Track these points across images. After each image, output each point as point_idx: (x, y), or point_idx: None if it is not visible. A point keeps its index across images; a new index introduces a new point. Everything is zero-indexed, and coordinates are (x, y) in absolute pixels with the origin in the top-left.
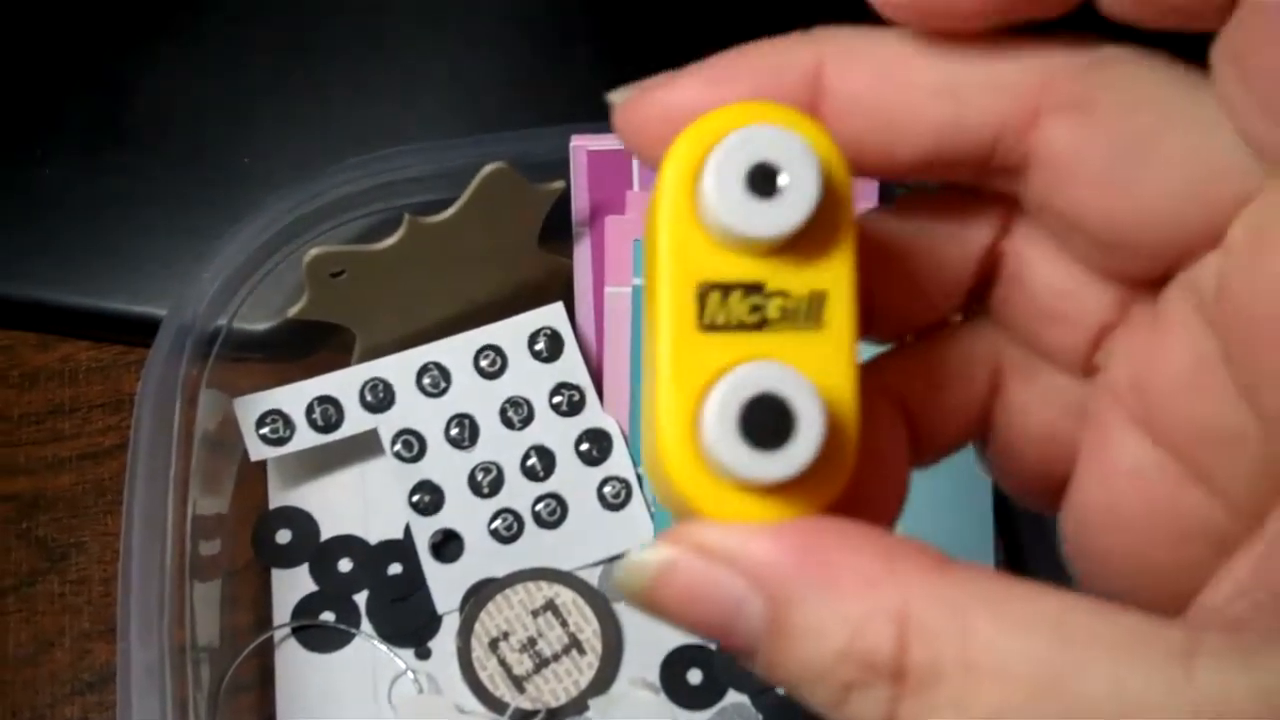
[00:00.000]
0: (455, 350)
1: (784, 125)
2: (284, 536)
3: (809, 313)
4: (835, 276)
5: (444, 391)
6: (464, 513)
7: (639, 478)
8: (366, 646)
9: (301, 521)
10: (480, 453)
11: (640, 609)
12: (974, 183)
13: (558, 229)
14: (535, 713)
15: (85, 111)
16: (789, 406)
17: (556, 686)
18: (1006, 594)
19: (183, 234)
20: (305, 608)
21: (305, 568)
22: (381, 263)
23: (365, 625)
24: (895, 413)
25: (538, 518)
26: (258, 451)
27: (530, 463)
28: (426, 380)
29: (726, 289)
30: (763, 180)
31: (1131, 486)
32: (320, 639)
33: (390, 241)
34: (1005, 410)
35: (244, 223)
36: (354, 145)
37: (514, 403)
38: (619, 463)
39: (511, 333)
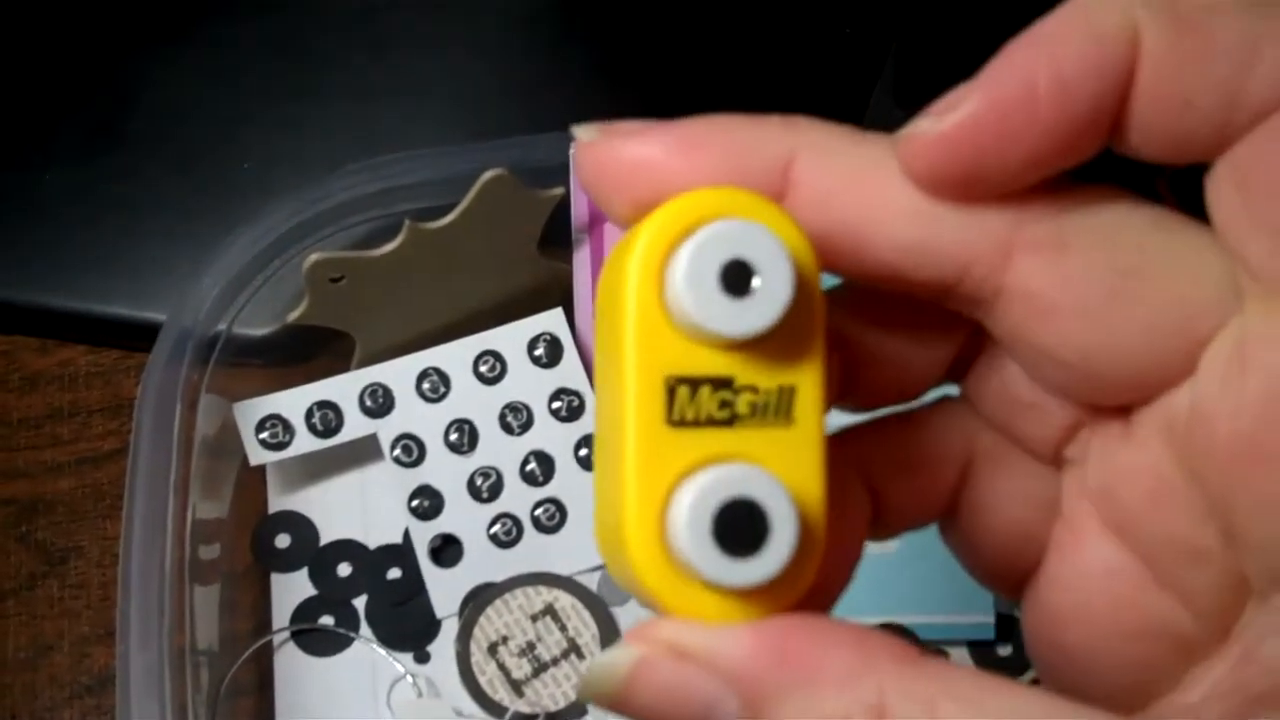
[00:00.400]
0: (455, 355)
1: (759, 220)
2: (283, 541)
3: (779, 408)
4: (805, 371)
5: (443, 396)
6: (463, 517)
7: None
8: (365, 651)
9: (301, 526)
10: (479, 458)
11: (610, 710)
12: (938, 302)
13: (557, 235)
14: (534, 717)
15: (85, 117)
16: (763, 512)
17: (555, 691)
18: (975, 688)
19: (182, 239)
20: (304, 612)
21: (304, 572)
22: (381, 268)
23: (364, 629)
24: (860, 487)
25: (537, 523)
26: (257, 456)
27: (529, 468)
28: (426, 385)
29: (695, 383)
30: (736, 278)
31: (1100, 586)
32: (319, 643)
33: (390, 247)
34: (974, 497)
35: (244, 228)
36: (353, 151)
37: (513, 408)
38: None
39: (511, 338)
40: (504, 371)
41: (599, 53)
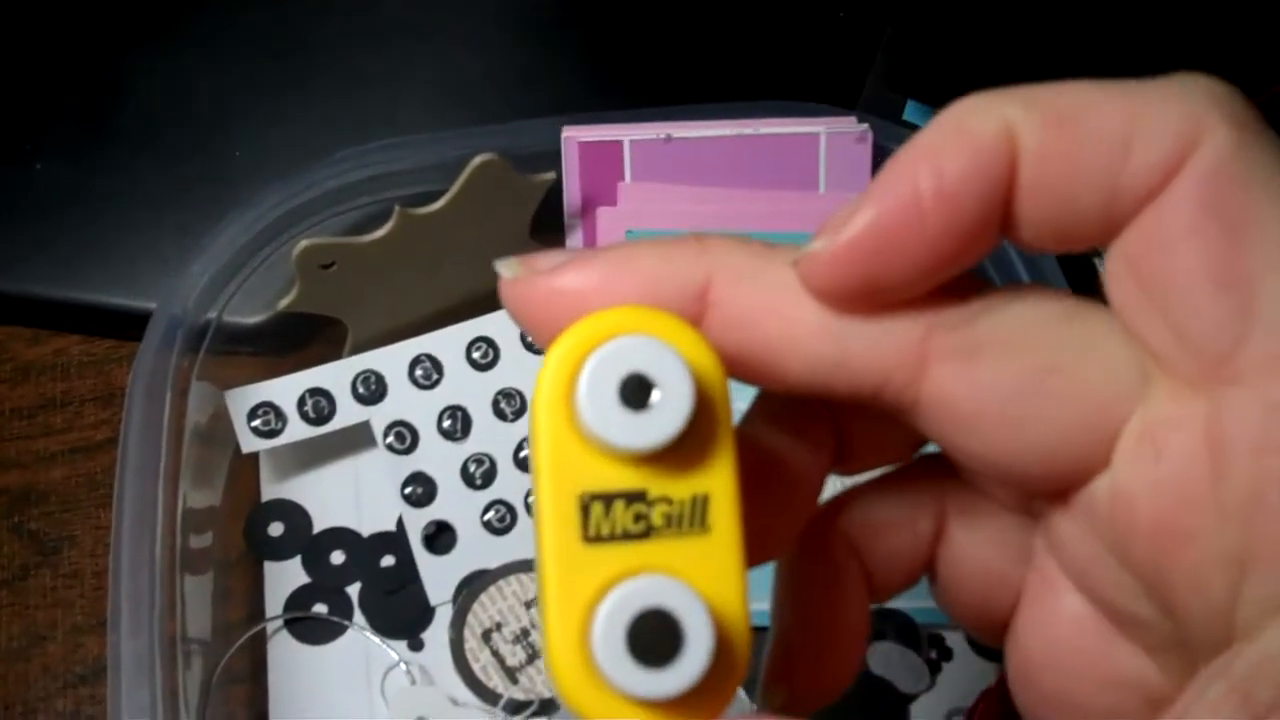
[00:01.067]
0: (447, 342)
1: (660, 335)
2: (276, 529)
3: (693, 517)
4: (717, 478)
5: (436, 383)
6: (457, 504)
7: None
8: (359, 638)
9: (294, 514)
10: (473, 444)
11: None
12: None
13: (550, 220)
14: (528, 703)
15: (76, 108)
16: (676, 622)
17: (549, 677)
18: None
19: (174, 229)
20: (298, 600)
21: (298, 560)
22: (372, 254)
23: (358, 617)
24: (850, 554)
25: (531, 509)
26: (249, 444)
27: (523, 454)
28: (418, 372)
29: (609, 499)
30: (636, 392)
31: (1068, 635)
32: (313, 631)
33: (381, 233)
34: (948, 549)
35: (233, 216)
36: (344, 139)
37: (506, 394)
38: None
39: (504, 324)
40: (497, 358)
41: (590, 39)
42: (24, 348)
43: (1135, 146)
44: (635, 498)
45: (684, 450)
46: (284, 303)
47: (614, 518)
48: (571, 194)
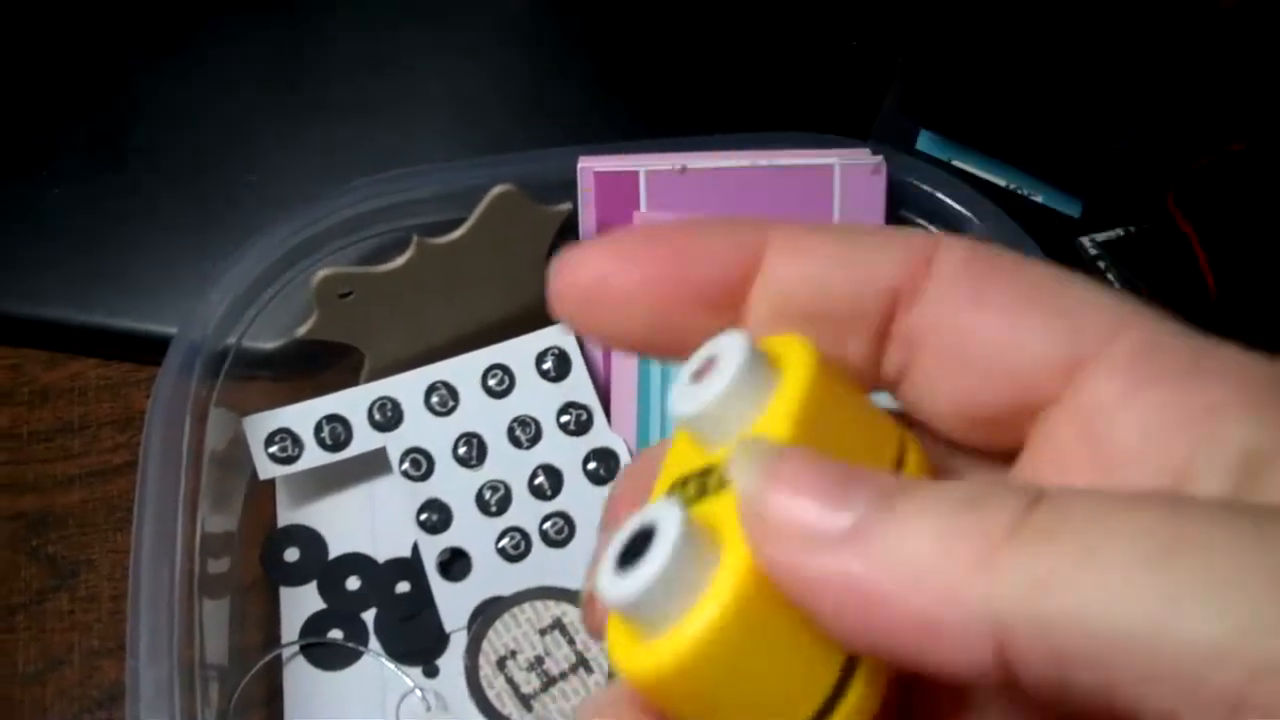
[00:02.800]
0: (463, 369)
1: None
2: (292, 555)
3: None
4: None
5: (452, 410)
6: (472, 531)
7: None
8: (374, 664)
9: (310, 540)
10: (488, 471)
11: None
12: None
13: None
14: None
15: (92, 132)
16: (653, 531)
17: (564, 705)
18: None
19: (189, 253)
20: (313, 626)
21: (314, 585)
22: (390, 283)
23: (373, 643)
24: None
25: (545, 536)
26: (266, 470)
27: (538, 481)
28: (435, 399)
29: (687, 478)
30: (702, 369)
31: None
32: (328, 657)
33: (399, 262)
34: None
35: (252, 243)
36: (358, 165)
37: (522, 422)
38: None
39: (519, 352)
40: (512, 385)
41: (603, 67)
42: (41, 371)
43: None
44: (705, 472)
45: (753, 429)
46: (302, 330)
47: (686, 490)
48: (587, 223)
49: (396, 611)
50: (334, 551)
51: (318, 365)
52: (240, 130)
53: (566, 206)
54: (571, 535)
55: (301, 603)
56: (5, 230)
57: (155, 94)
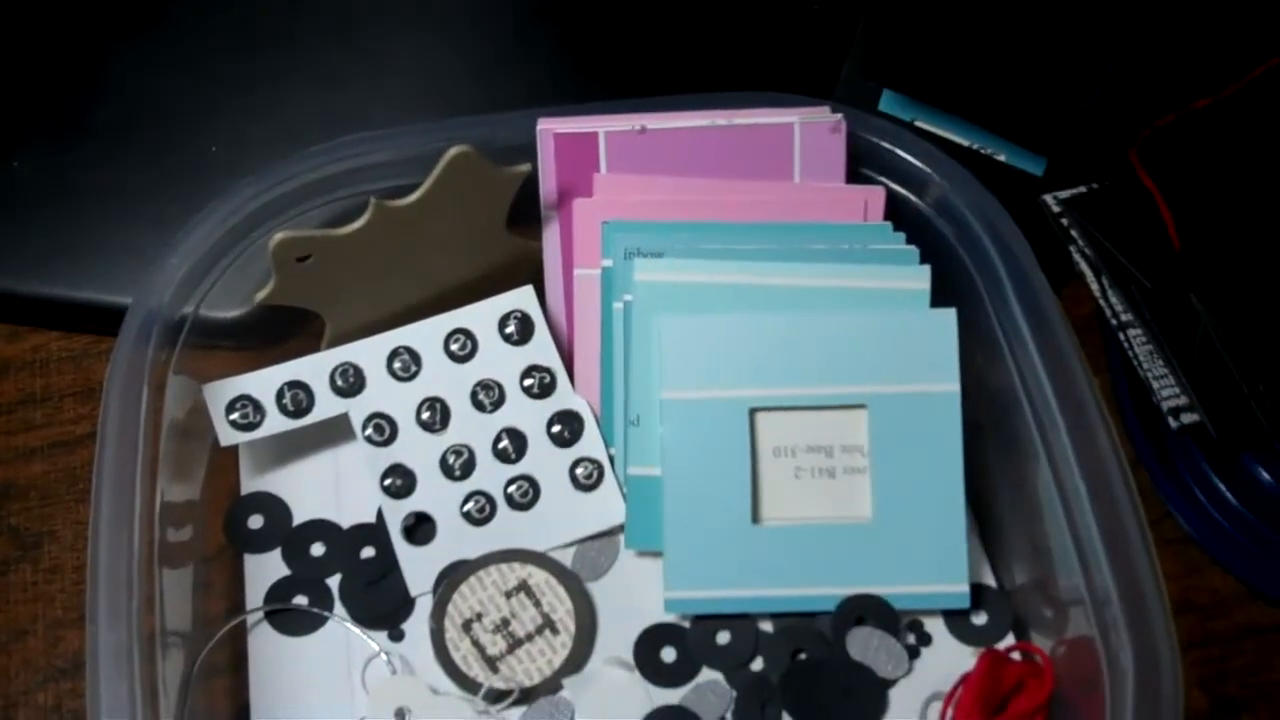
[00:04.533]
0: (425, 334)
1: None
2: (256, 522)
3: None
4: None
5: (414, 375)
6: (436, 495)
7: (610, 459)
8: (339, 630)
9: (273, 507)
10: (451, 436)
11: None
12: None
13: (526, 212)
14: (509, 693)
15: (52, 106)
16: None
17: (530, 666)
18: None
19: (152, 224)
20: (278, 592)
21: (278, 552)
22: (348, 246)
23: (338, 609)
24: None
25: (510, 500)
26: (228, 437)
27: (502, 445)
28: (397, 364)
29: None
30: None
31: None
32: (293, 623)
33: (357, 225)
34: None
35: (209, 210)
36: (320, 132)
37: (485, 385)
38: (590, 444)
39: (482, 316)
40: (475, 349)
41: (565, 31)
42: (3, 344)
43: None
44: None
45: None
46: (261, 295)
47: None
48: (547, 185)
49: (361, 577)
50: (298, 518)
51: (279, 332)
52: (201, 102)
53: (525, 167)
54: (536, 498)
55: (266, 569)
56: None
57: (116, 67)
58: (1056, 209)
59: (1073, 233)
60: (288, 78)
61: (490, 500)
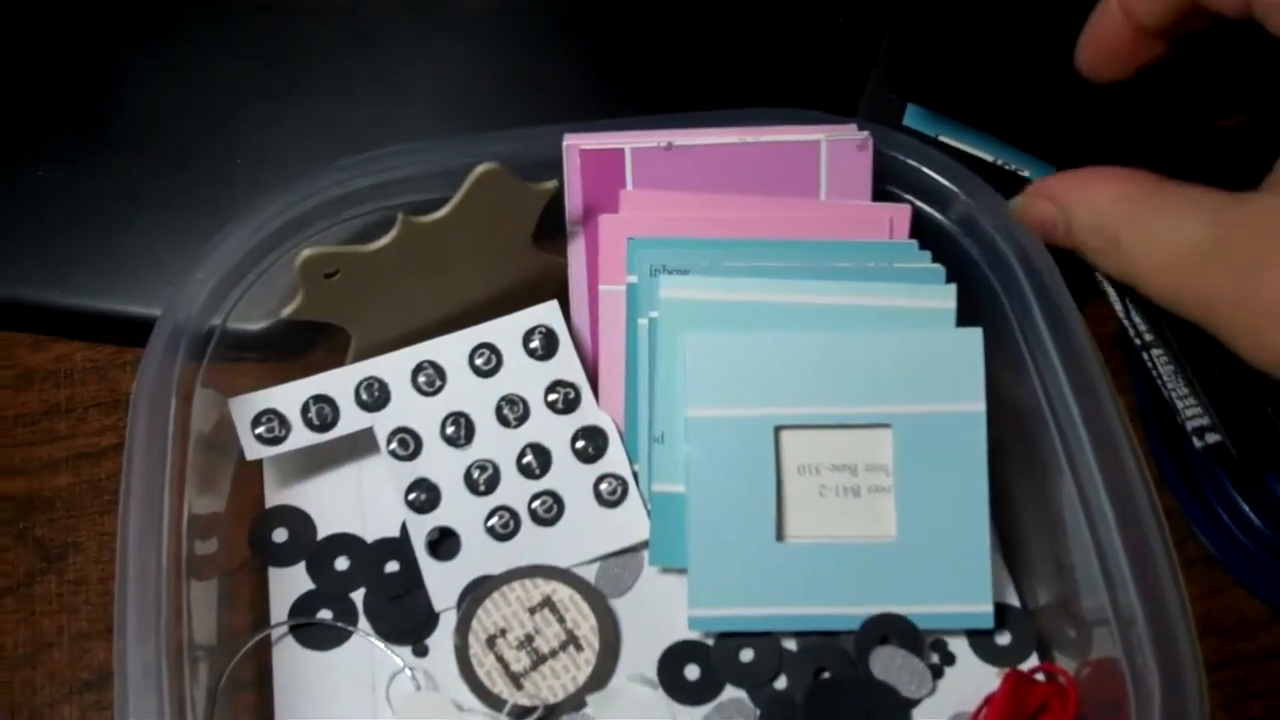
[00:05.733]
0: (450, 348)
1: None
2: (280, 535)
3: None
4: None
5: (439, 390)
6: (460, 510)
7: (634, 475)
8: (364, 644)
9: (298, 520)
10: (476, 450)
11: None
12: None
13: (552, 228)
14: (533, 709)
15: (75, 114)
16: None
17: (554, 683)
18: None
19: (174, 234)
20: (302, 606)
21: (302, 566)
22: (375, 263)
23: (363, 623)
24: None
25: (534, 515)
26: (253, 451)
27: (526, 460)
28: (422, 379)
29: None
30: None
31: None
32: (318, 637)
33: (383, 242)
34: None
35: (236, 223)
36: (343, 144)
37: (510, 400)
38: (615, 460)
39: (506, 331)
40: (500, 364)
41: (589, 43)
42: (27, 354)
43: None
44: None
45: None
46: (287, 311)
47: None
48: (573, 201)
49: (386, 591)
50: (322, 532)
51: (304, 345)
52: (224, 111)
53: (552, 184)
54: (560, 514)
55: (290, 583)
56: None
57: (139, 76)
58: None
59: None
60: (309, 89)
61: (514, 515)
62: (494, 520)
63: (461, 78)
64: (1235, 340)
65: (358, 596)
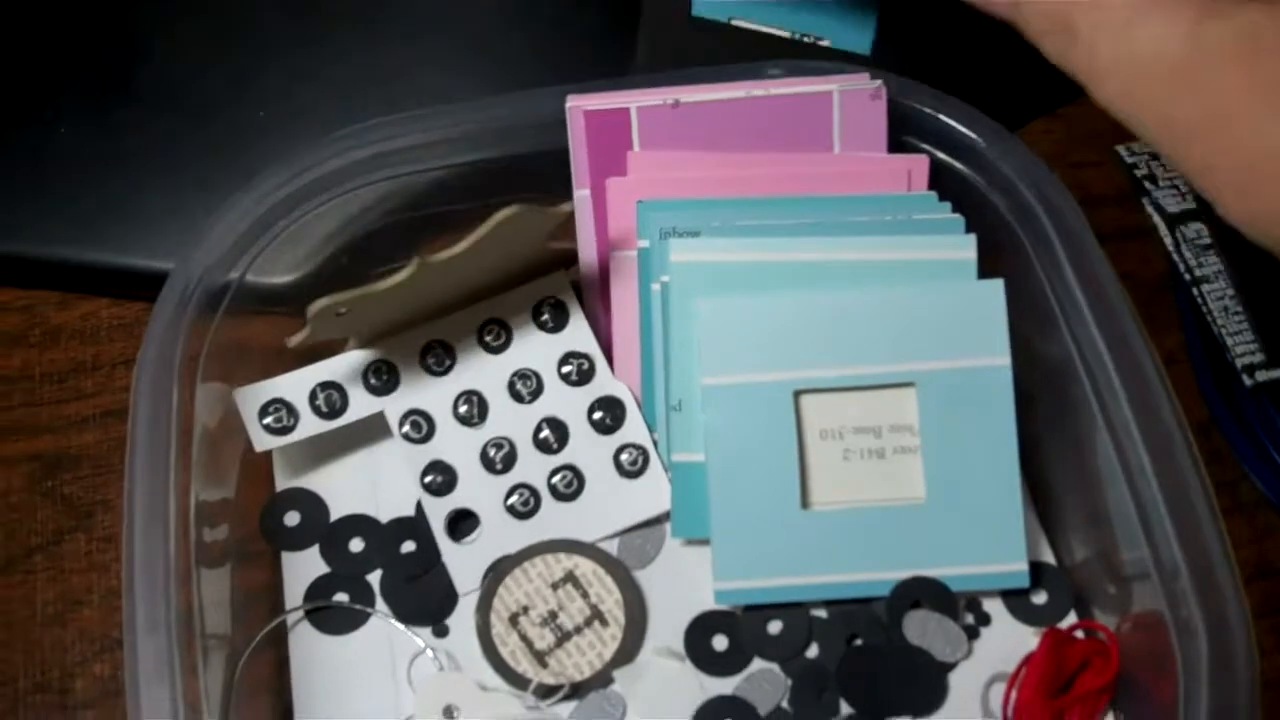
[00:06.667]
0: (458, 326)
1: None
2: (292, 519)
3: None
4: None
5: (449, 369)
6: (478, 491)
7: (654, 442)
8: (382, 626)
9: (309, 503)
10: (490, 429)
11: None
12: None
13: (560, 191)
14: (558, 687)
15: (98, 71)
16: None
17: (580, 660)
18: None
19: (199, 188)
20: (317, 590)
21: (316, 549)
22: (386, 295)
23: (380, 605)
24: None
25: (554, 491)
26: (262, 442)
27: (543, 435)
28: (431, 359)
29: None
30: None
31: None
32: (334, 621)
33: (397, 279)
34: None
35: (233, 201)
36: (368, 99)
37: (522, 375)
38: (634, 429)
39: (515, 304)
40: (510, 339)
41: None
42: (53, 312)
43: None
44: None
45: None
46: (294, 341)
47: None
48: (579, 164)
49: (402, 572)
50: (335, 513)
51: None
52: (248, 64)
53: (569, 207)
54: (581, 488)
55: (304, 568)
56: (13, 171)
57: (162, 30)
58: (1130, 159)
59: (1146, 184)
60: (334, 38)
61: (534, 493)
62: (514, 498)
63: (488, 22)
64: (1199, 179)
65: (374, 578)
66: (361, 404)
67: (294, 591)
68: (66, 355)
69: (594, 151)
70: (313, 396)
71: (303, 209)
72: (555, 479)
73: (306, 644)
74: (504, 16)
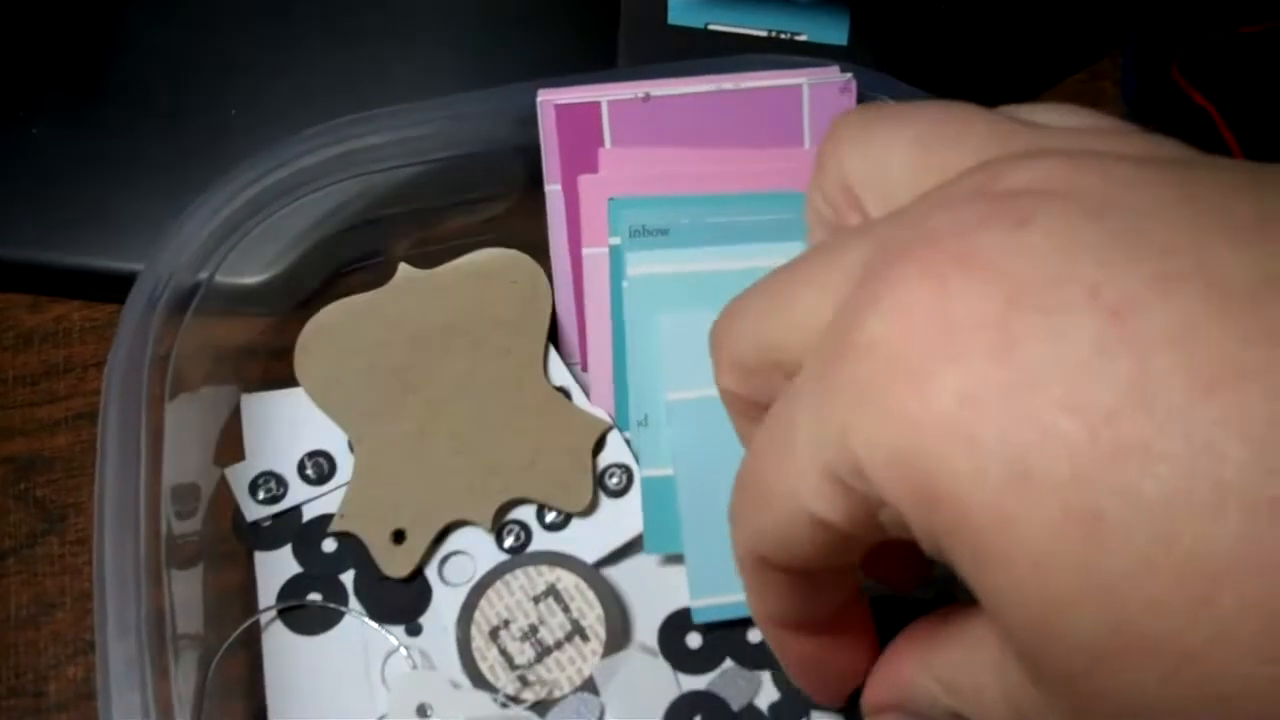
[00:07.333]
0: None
1: None
2: (265, 519)
3: None
4: None
5: None
6: (469, 531)
7: (637, 459)
8: (356, 626)
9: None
10: None
11: None
12: None
13: (531, 191)
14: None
15: (69, 70)
16: None
17: (559, 675)
18: None
19: (173, 191)
20: (291, 590)
21: (288, 549)
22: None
23: (354, 604)
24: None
25: (545, 524)
26: (253, 513)
27: None
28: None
29: None
30: None
31: None
32: (308, 621)
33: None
34: None
35: (200, 201)
36: (342, 98)
37: None
38: (615, 450)
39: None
40: None
41: None
42: (25, 315)
43: None
44: None
45: None
46: None
47: None
48: (550, 161)
49: (375, 571)
50: (308, 514)
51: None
52: (222, 65)
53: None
54: (569, 519)
55: (277, 568)
56: None
57: (134, 31)
58: None
59: None
60: (308, 37)
61: (525, 528)
62: (509, 540)
63: (466, 21)
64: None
65: (347, 578)
66: (349, 470)
67: (267, 592)
68: (39, 358)
69: (565, 146)
70: (301, 467)
71: (272, 208)
72: (548, 515)
73: (280, 644)
74: (489, 18)
